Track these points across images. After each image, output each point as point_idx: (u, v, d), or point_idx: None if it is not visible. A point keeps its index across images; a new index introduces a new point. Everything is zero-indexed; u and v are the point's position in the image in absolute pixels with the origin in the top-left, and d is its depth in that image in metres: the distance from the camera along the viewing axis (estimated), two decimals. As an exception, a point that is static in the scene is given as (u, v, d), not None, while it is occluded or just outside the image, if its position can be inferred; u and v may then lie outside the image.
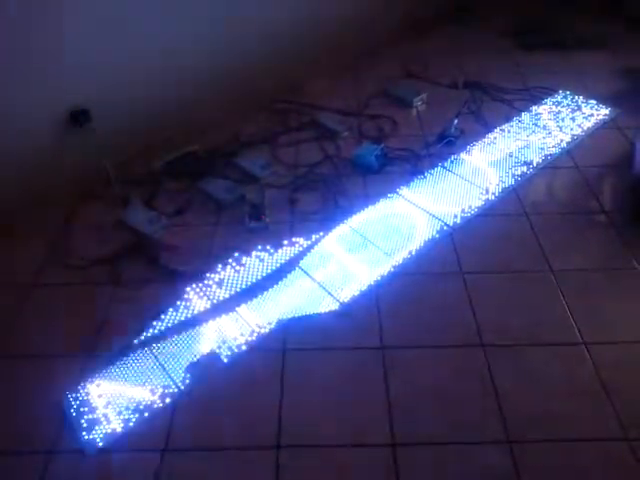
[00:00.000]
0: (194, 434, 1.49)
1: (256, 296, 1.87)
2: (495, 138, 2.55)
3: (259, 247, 2.04)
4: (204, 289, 1.89)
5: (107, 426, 1.51)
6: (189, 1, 2.35)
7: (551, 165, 2.38)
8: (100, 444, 1.47)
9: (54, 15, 1.98)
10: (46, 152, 2.15)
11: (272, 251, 2.03)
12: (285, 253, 2.02)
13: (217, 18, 2.48)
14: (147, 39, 2.27)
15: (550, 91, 2.85)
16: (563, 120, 2.63)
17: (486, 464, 1.41)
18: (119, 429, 1.51)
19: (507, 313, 1.78)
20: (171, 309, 1.83)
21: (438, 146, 2.50)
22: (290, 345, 1.71)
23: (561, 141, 2.50)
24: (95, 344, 1.72)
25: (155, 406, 1.56)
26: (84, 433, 1.50)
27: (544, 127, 2.60)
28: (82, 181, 2.26)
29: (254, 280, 1.92)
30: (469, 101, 2.79)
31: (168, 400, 1.57)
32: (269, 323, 1.77)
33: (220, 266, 1.97)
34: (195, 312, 1.82)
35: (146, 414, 1.54)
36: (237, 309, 1.82)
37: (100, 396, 1.58)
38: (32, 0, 1.90)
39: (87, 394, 1.59)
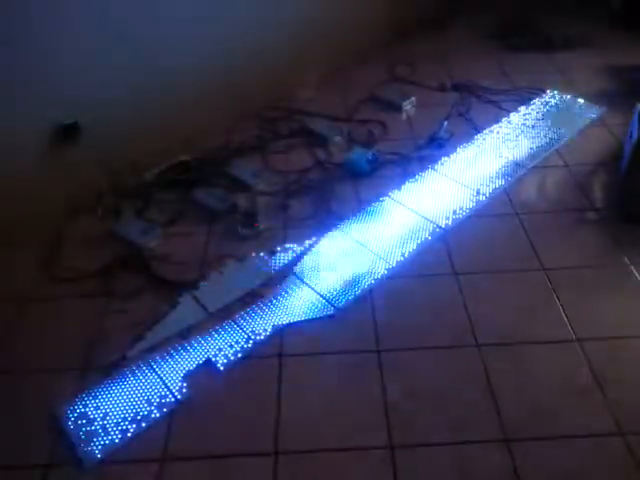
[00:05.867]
0: (192, 443, 1.49)
1: (251, 303, 1.87)
2: (484, 139, 2.57)
3: (253, 254, 2.05)
4: (198, 298, 1.90)
5: (105, 438, 1.51)
6: (178, 7, 2.37)
7: (541, 164, 2.40)
8: (99, 456, 1.47)
9: (43, 29, 1.99)
10: (36, 166, 2.15)
11: (265, 258, 2.03)
12: (278, 260, 2.03)
13: (206, 25, 2.49)
14: (136, 45, 2.28)
15: (538, 91, 2.88)
16: (551, 119, 2.66)
17: (485, 463, 1.41)
18: (117, 440, 1.51)
19: (500, 312, 1.79)
20: (166, 318, 1.83)
21: (428, 149, 2.51)
22: (286, 351, 1.72)
23: (550, 140, 2.52)
24: (91, 356, 1.72)
25: (152, 416, 1.56)
26: (82, 445, 1.49)
27: (533, 127, 2.62)
28: (73, 194, 2.26)
29: (248, 287, 1.93)
30: (458, 103, 2.82)
31: (165, 410, 1.57)
32: (264, 330, 1.78)
33: (214, 274, 1.98)
34: (190, 321, 1.82)
35: (144, 425, 1.54)
36: (232, 317, 1.83)
37: (97, 408, 1.58)
38: (25, 14, 1.92)
39: (84, 406, 1.59)
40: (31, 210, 2.16)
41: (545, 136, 2.55)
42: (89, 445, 1.49)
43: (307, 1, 2.87)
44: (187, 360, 1.70)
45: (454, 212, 2.18)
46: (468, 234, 2.08)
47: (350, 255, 2.03)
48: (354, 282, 1.92)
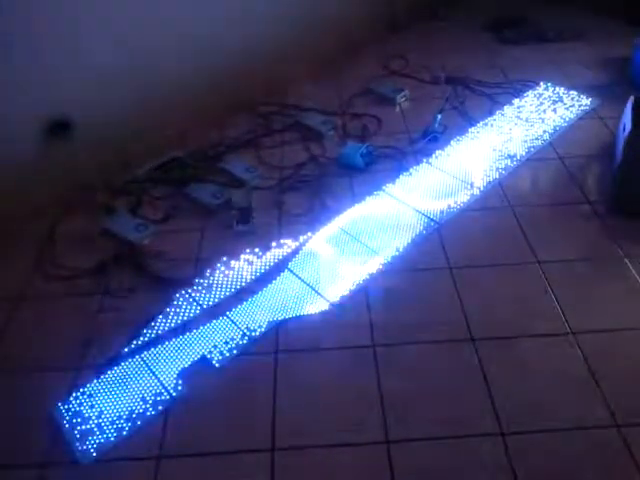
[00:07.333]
0: (188, 440, 1.49)
1: (246, 299, 1.87)
2: (478, 132, 2.56)
3: (247, 250, 2.04)
4: (193, 294, 1.89)
5: (100, 436, 1.51)
6: (172, 6, 2.35)
7: (534, 157, 2.40)
8: (94, 454, 1.47)
9: (37, 28, 1.97)
10: (28, 163, 2.13)
11: (260, 254, 2.03)
12: (273, 255, 2.02)
13: (200, 21, 2.47)
14: (130, 39, 2.26)
15: (531, 83, 2.88)
16: (545, 112, 2.66)
17: (480, 457, 1.42)
18: (112, 439, 1.50)
19: (495, 306, 1.79)
20: (161, 316, 1.82)
21: (422, 142, 2.51)
22: (281, 347, 1.71)
23: (544, 133, 2.52)
24: (85, 354, 1.72)
25: (148, 414, 1.55)
26: (78, 444, 1.49)
27: (526, 120, 2.62)
28: (66, 191, 2.25)
29: (243, 283, 1.92)
30: (451, 96, 2.81)
31: (161, 407, 1.57)
32: (260, 326, 1.77)
33: (209, 271, 1.97)
34: (185, 318, 1.82)
35: (139, 422, 1.54)
36: (227, 313, 1.82)
37: (92, 406, 1.58)
38: (15, 11, 1.90)
39: (79, 405, 1.58)
40: (24, 208, 2.14)
41: (539, 129, 2.55)
42: (84, 444, 1.49)
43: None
44: (182, 357, 1.69)
45: (448, 206, 2.17)
46: (462, 228, 2.08)
47: (345, 250, 2.02)
48: (349, 277, 1.91)
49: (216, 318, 1.81)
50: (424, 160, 2.42)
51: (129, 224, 2.12)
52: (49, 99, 2.11)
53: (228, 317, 1.81)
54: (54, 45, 2.05)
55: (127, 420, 1.54)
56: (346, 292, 1.86)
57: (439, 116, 2.56)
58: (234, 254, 2.03)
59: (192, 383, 1.62)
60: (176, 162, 2.45)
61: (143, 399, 1.59)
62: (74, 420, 1.54)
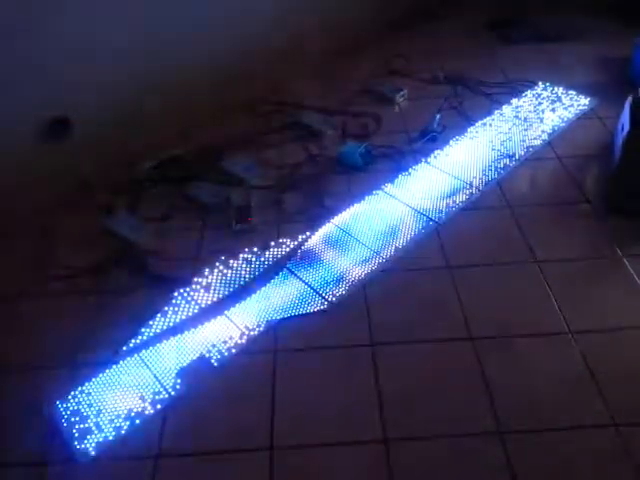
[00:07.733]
0: (187, 439, 1.49)
1: (244, 298, 1.87)
2: (477, 132, 2.56)
3: (246, 249, 2.04)
4: (192, 293, 1.89)
5: (99, 435, 1.51)
6: (172, 6, 2.35)
7: (533, 157, 2.40)
8: (93, 453, 1.47)
9: (37, 28, 1.97)
10: (28, 163, 2.14)
11: (259, 253, 2.03)
12: (272, 254, 2.02)
13: (200, 19, 2.48)
14: (130, 40, 2.26)
15: (530, 83, 2.88)
16: (543, 112, 2.66)
17: (478, 456, 1.42)
18: (111, 437, 1.50)
19: (494, 305, 1.79)
20: (159, 315, 1.82)
21: (421, 142, 2.51)
22: (280, 346, 1.71)
23: (542, 132, 2.52)
24: (84, 353, 1.72)
25: (146, 413, 1.55)
26: (76, 443, 1.49)
27: (525, 119, 2.62)
28: (65, 190, 2.25)
29: (242, 282, 1.93)
30: (450, 96, 2.81)
31: (159, 406, 1.57)
32: (258, 325, 1.77)
33: (207, 270, 1.97)
34: (183, 317, 1.82)
35: (137, 421, 1.54)
36: (226, 312, 1.82)
37: (91, 405, 1.58)
38: (15, 11, 1.90)
39: (77, 403, 1.58)
40: (24, 207, 2.14)
41: (537, 128, 2.55)
42: (83, 442, 1.49)
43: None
44: (181, 356, 1.70)
45: (447, 205, 2.18)
46: (461, 227, 2.08)
47: (343, 249, 2.03)
48: (347, 276, 1.92)
49: (215, 317, 1.81)
50: (423, 160, 2.42)
51: (128, 223, 2.12)
52: (49, 99, 2.11)
53: (227, 316, 1.81)
54: (54, 45, 2.04)
55: (125, 419, 1.54)
56: (345, 291, 1.87)
57: (438, 116, 2.56)
58: (233, 253, 2.03)
59: (191, 382, 1.62)
60: (175, 161, 2.45)
61: (142, 398, 1.59)
62: (72, 419, 1.55)
